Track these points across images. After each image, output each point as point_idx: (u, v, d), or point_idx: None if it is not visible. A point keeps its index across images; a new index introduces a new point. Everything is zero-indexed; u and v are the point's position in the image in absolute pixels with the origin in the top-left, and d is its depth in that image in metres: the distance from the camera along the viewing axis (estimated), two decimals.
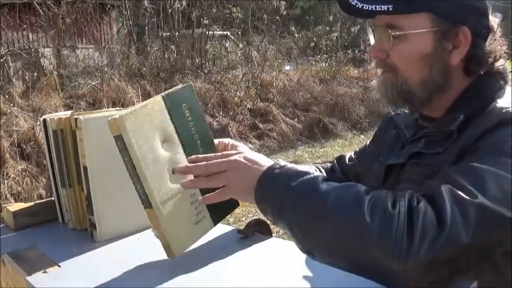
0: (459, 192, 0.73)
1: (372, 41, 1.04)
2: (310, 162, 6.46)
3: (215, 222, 1.01)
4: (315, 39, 11.76)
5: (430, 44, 0.93)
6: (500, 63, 0.98)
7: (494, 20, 0.98)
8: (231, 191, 0.90)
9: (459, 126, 0.91)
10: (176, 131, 0.93)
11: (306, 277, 0.86)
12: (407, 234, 0.69)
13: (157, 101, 0.91)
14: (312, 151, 7.34)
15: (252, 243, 1.03)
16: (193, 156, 0.93)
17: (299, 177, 0.81)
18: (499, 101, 0.91)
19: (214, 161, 0.90)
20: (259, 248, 1.01)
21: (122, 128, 0.84)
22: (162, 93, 0.93)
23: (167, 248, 0.92)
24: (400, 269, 0.69)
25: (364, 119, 8.95)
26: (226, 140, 1.05)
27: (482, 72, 0.97)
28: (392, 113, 1.18)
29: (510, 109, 0.87)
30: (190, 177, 0.92)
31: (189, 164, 0.92)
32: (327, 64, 10.63)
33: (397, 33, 0.93)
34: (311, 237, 0.78)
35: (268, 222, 0.96)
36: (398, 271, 0.69)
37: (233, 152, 0.93)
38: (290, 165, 0.86)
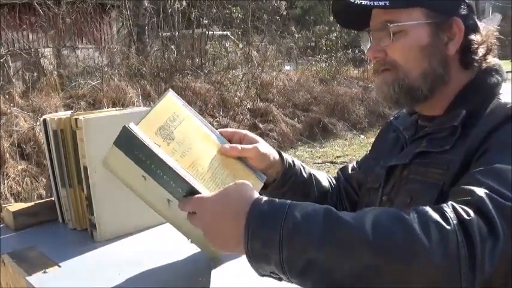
0: (498, 198, 0.72)
1: (368, 46, 1.06)
2: (310, 163, 6.37)
3: None
4: (314, 39, 11.76)
5: (427, 36, 0.97)
6: (495, 61, 1.01)
7: (479, 20, 1.02)
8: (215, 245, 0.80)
9: (462, 122, 0.92)
10: (148, 175, 0.83)
11: None
12: (468, 249, 0.66)
13: (115, 151, 0.82)
14: (312, 151, 7.34)
15: None
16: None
17: (302, 209, 0.72)
18: (501, 97, 0.93)
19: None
20: None
21: (110, 171, 0.86)
22: (115, 140, 0.83)
23: (205, 252, 0.96)
24: (468, 285, 0.66)
25: (364, 119, 8.95)
26: (243, 132, 1.04)
27: (479, 68, 1.00)
28: (391, 117, 1.20)
29: None
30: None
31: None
32: (327, 64, 10.63)
33: (396, 24, 0.96)
34: (353, 276, 0.67)
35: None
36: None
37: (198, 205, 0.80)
38: (276, 200, 0.75)
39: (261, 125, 7.77)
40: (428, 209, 0.71)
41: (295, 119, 8.41)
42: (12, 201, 4.59)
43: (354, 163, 1.32)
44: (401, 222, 0.68)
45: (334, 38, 11.06)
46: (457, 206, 0.71)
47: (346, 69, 11.07)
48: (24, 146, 5.29)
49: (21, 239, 1.16)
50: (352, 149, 7.26)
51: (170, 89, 0.98)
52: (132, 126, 0.82)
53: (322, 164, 6.40)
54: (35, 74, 6.70)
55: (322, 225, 0.69)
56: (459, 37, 0.97)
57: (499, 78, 0.99)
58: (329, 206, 0.73)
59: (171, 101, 0.95)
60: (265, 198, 0.76)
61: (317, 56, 10.91)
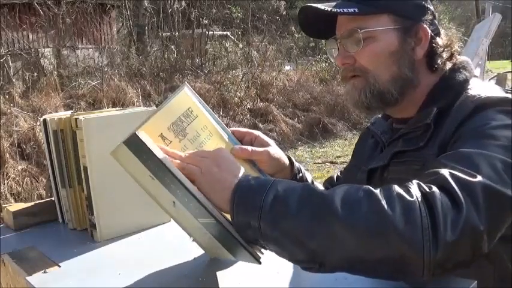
0: (461, 175, 0.73)
1: (335, 54, 1.08)
2: (310, 163, 6.35)
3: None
4: (314, 39, 11.74)
5: (396, 41, 1.00)
6: (462, 59, 1.05)
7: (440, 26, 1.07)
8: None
9: (434, 119, 0.95)
10: (155, 176, 0.81)
11: (305, 277, 0.86)
12: (431, 220, 0.68)
13: (122, 150, 0.80)
14: (312, 151, 7.34)
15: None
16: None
17: (283, 182, 0.76)
18: (469, 91, 0.96)
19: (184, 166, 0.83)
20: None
21: (115, 157, 0.83)
22: (125, 139, 0.81)
23: (207, 253, 0.97)
24: (431, 257, 0.67)
25: (364, 119, 8.94)
26: (255, 133, 1.02)
27: (447, 68, 1.04)
28: (369, 124, 1.23)
29: (482, 95, 0.92)
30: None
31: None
32: (327, 64, 10.63)
33: (366, 30, 0.99)
34: (321, 244, 0.70)
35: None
36: (426, 260, 0.67)
37: (198, 159, 0.84)
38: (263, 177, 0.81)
39: (261, 125, 7.77)
40: (394, 185, 0.73)
41: (295, 119, 8.40)
42: (12, 201, 4.59)
43: (338, 173, 1.36)
44: (368, 195, 0.71)
45: None
46: (421, 183, 0.74)
47: None
48: (24, 146, 5.29)
49: (21, 239, 1.16)
50: (352, 149, 7.23)
51: (186, 82, 0.95)
52: (141, 134, 0.81)
53: (322, 164, 6.40)
54: (35, 74, 6.69)
55: (298, 198, 0.73)
56: (425, 41, 1.01)
57: (467, 74, 1.02)
58: (308, 183, 0.76)
59: (186, 96, 0.93)
60: (251, 176, 0.80)
61: (317, 56, 10.91)
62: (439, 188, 0.72)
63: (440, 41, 1.03)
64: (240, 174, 0.81)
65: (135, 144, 0.80)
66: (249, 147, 0.98)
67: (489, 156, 0.77)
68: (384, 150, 1.09)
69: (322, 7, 0.99)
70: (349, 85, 1.05)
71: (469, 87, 0.98)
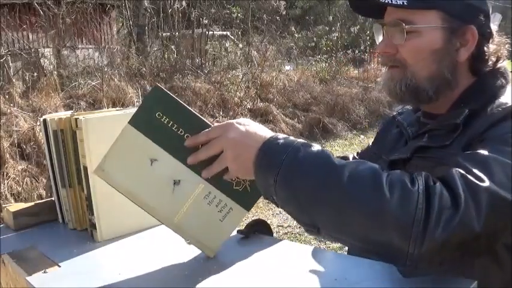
0: (470, 177, 0.74)
1: (380, 38, 1.05)
2: None
3: (247, 207, 0.96)
4: (314, 39, 11.77)
5: (440, 40, 0.97)
6: (501, 64, 1.02)
7: (494, 26, 1.02)
8: (230, 165, 0.87)
9: (464, 120, 0.94)
10: (162, 147, 0.88)
11: (305, 277, 0.86)
12: (425, 213, 0.69)
13: (127, 131, 0.87)
14: None
15: (252, 243, 1.03)
16: (189, 140, 0.89)
17: (308, 147, 0.80)
18: (502, 98, 0.95)
19: (207, 145, 0.87)
20: (259, 248, 1.01)
21: (104, 177, 0.90)
22: (130, 119, 0.87)
23: (203, 250, 0.97)
24: (416, 248, 0.69)
25: (364, 119, 8.95)
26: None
27: (485, 71, 1.01)
28: (395, 112, 1.21)
29: None
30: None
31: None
32: (327, 64, 10.63)
33: (411, 26, 0.97)
34: (321, 210, 0.75)
35: (269, 221, 0.94)
36: (411, 250, 0.69)
37: (223, 125, 0.88)
38: (292, 137, 0.84)
39: None
40: (401, 171, 0.76)
41: (295, 119, 8.40)
42: (12, 201, 4.59)
43: (355, 154, 1.34)
44: (374, 174, 0.74)
45: (334, 38, 11.07)
46: (430, 176, 0.75)
47: (346, 69, 11.07)
48: (24, 146, 5.29)
49: (21, 239, 1.16)
50: (352, 149, 7.26)
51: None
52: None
53: None
54: (35, 74, 6.68)
55: (313, 162, 0.77)
56: (471, 45, 0.98)
57: (504, 81, 1.00)
58: (326, 149, 0.81)
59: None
60: (283, 135, 0.84)
61: (317, 56, 10.92)
62: (443, 184, 0.73)
63: (490, 46, 1.00)
64: (268, 134, 0.85)
65: (154, 97, 0.86)
66: None
67: (505, 163, 0.77)
68: (408, 143, 1.08)
69: None
70: (387, 74, 1.04)
71: (503, 94, 0.96)
